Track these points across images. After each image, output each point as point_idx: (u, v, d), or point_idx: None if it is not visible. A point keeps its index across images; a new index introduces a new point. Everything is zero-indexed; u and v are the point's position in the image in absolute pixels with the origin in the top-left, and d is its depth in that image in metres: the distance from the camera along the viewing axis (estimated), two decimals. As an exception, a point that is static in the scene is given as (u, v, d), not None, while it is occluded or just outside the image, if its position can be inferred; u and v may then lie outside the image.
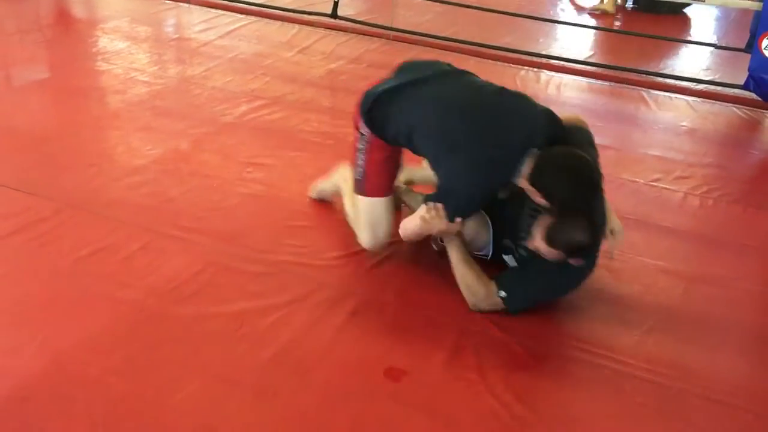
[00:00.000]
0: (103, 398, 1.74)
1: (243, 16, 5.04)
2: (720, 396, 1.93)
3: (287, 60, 4.30)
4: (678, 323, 2.21)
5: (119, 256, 2.27)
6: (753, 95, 4.07)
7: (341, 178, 2.51)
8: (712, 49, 5.27)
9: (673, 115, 4.01)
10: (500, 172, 1.99)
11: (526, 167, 1.95)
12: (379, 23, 4.99)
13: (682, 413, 1.88)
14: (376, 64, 4.31)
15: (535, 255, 2.06)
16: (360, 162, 2.24)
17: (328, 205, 2.66)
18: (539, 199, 1.95)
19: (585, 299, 2.25)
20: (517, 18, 5.58)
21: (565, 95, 4.21)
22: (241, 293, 2.15)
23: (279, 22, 4.99)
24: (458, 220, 2.06)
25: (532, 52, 4.74)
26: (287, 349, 1.95)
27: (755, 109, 4.11)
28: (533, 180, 1.94)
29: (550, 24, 5.70)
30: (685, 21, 6.09)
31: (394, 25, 4.98)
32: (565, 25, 5.72)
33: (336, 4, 4.88)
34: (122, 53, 4.17)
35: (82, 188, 2.67)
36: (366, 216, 2.27)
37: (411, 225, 2.15)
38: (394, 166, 2.31)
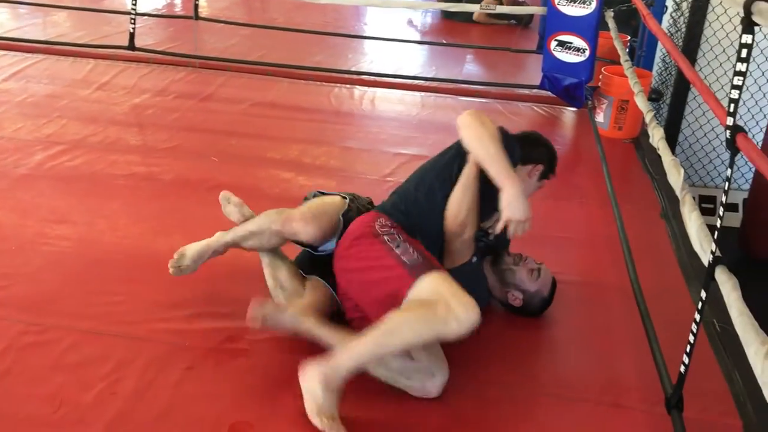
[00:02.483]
0: None
1: (29, 54, 4.62)
2: (558, 390, 2.01)
3: (85, 98, 3.98)
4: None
5: None
6: (549, 93, 4.39)
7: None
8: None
9: (481, 118, 4.20)
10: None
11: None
12: (182, 52, 4.79)
13: (527, 414, 1.94)
14: (184, 94, 4.12)
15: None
16: (410, 250, 2.01)
17: (149, 255, 2.46)
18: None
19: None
20: (324, 36, 5.61)
21: (379, 109, 4.27)
22: (55, 368, 1.92)
23: (71, 58, 4.62)
24: None
25: (343, 70, 4.78)
26: (117, 422, 1.76)
27: (552, 105, 4.42)
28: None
29: (357, 40, 5.79)
30: (483, 28, 6.47)
31: (199, 53, 4.80)
32: (373, 40, 5.85)
33: (132, 35, 4.60)
34: None
35: None
36: (452, 288, 1.87)
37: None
38: None
